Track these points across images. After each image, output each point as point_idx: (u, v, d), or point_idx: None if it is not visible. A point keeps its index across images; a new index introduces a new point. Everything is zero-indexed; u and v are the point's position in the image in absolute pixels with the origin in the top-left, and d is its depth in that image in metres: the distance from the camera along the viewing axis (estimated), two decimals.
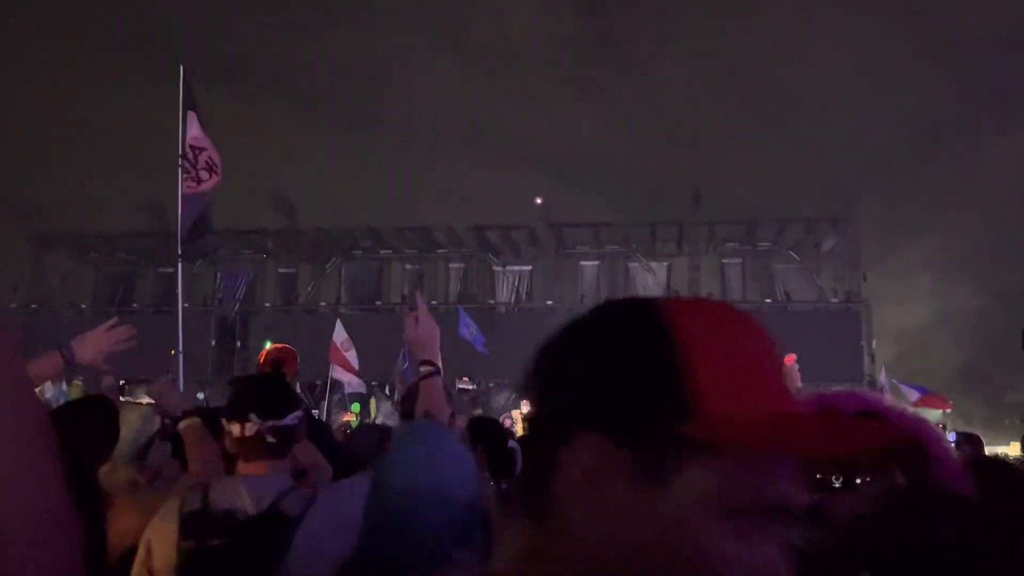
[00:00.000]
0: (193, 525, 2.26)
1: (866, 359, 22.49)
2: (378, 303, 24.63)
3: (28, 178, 20.61)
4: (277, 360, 6.70)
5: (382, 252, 25.07)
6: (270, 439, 2.35)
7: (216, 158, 10.01)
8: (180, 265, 10.84)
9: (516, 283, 24.46)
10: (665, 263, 23.95)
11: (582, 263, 24.21)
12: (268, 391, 2.48)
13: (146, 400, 2.97)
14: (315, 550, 2.26)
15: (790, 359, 16.16)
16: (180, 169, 9.76)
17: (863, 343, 22.70)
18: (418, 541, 1.68)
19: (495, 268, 24.52)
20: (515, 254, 24.46)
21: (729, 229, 23.34)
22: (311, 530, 2.29)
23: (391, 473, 1.79)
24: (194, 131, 9.84)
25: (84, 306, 25.63)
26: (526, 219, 22.95)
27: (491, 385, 21.31)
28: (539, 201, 23.24)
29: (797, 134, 20.01)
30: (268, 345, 17.24)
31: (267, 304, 25.17)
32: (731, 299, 23.72)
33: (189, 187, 9.79)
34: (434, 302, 24.26)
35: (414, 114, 21.09)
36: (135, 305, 25.44)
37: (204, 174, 9.83)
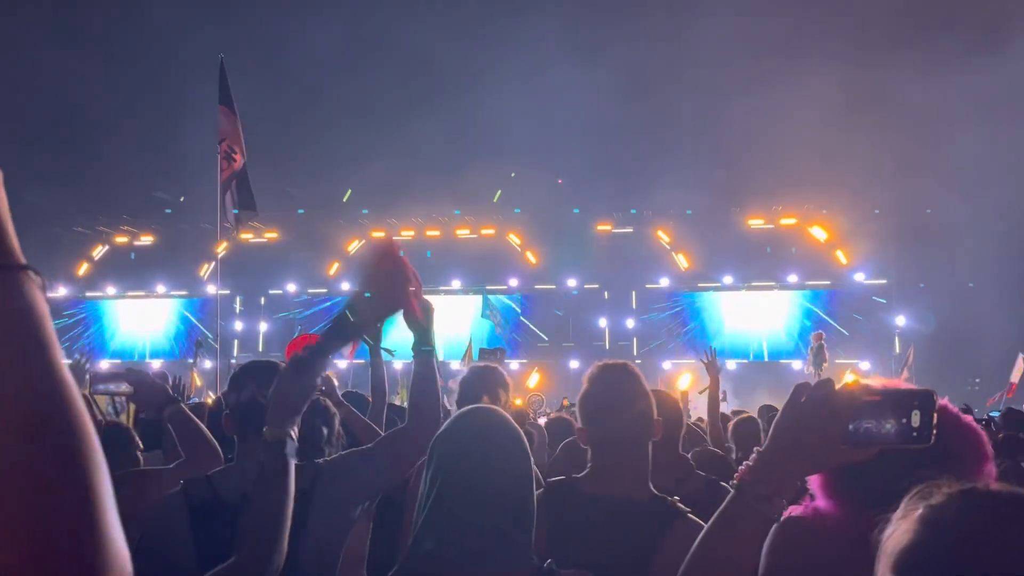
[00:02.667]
0: (205, 515, 2.29)
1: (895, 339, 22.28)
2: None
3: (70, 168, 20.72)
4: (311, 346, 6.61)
5: (404, 233, 25.09)
6: (261, 400, 2.32)
7: (240, 146, 10.24)
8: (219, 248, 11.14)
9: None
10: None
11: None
12: (265, 367, 2.56)
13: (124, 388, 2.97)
14: (327, 521, 2.36)
15: (819, 337, 16.01)
16: (219, 157, 10.07)
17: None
18: (474, 514, 1.77)
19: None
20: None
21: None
22: (322, 503, 2.36)
23: (448, 447, 1.87)
24: (225, 122, 10.11)
25: (110, 290, 25.98)
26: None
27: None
28: (560, 181, 23.12)
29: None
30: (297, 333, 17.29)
31: (290, 285, 25.31)
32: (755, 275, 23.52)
33: (223, 172, 10.14)
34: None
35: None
36: (160, 288, 25.75)
37: (234, 157, 10.12)
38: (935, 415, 1.21)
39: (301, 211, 24.10)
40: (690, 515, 2.23)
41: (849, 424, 1.24)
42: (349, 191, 23.49)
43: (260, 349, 24.52)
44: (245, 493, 2.29)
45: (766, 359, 22.84)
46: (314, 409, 3.35)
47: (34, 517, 0.65)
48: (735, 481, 1.34)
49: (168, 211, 24.08)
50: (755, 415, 7.06)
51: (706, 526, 1.37)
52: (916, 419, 1.21)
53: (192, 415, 2.84)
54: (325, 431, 3.32)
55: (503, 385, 3.41)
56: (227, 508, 2.27)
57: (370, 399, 4.66)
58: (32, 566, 0.66)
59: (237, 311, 25.02)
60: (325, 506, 2.37)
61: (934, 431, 1.20)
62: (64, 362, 0.72)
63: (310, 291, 25.27)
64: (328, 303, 25.03)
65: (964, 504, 1.00)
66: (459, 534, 1.77)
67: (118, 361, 24.14)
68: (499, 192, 23.18)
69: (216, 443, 2.85)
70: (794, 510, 1.63)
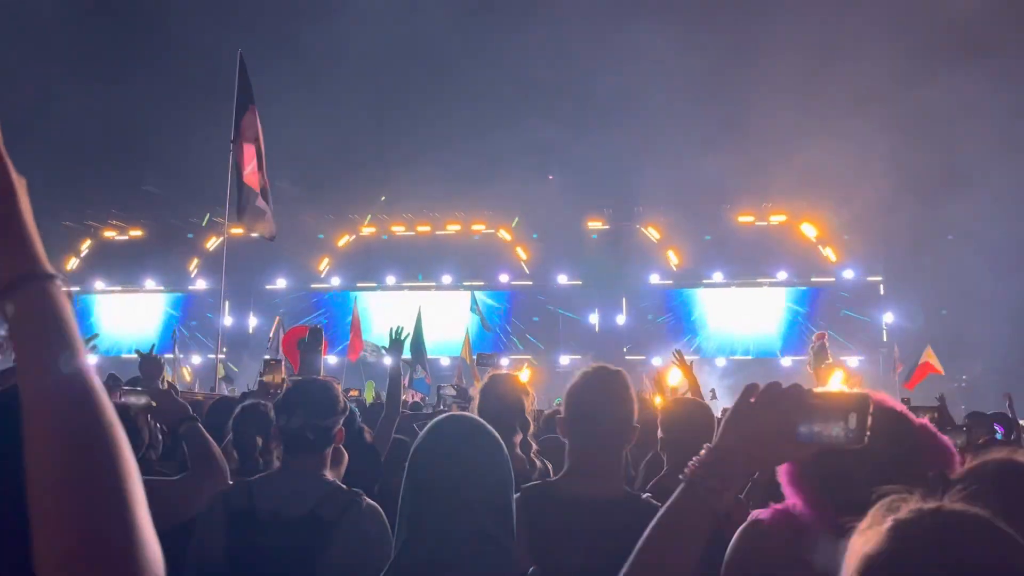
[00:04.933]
0: (242, 524, 2.45)
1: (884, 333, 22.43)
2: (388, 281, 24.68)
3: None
4: (304, 339, 6.75)
5: (393, 228, 25.06)
6: (310, 435, 2.59)
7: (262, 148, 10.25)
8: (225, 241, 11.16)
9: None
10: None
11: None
12: (316, 393, 2.73)
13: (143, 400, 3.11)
14: (351, 556, 2.43)
15: (820, 336, 16.17)
16: (231, 153, 10.03)
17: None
18: (457, 520, 1.78)
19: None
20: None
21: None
22: (349, 537, 2.46)
23: (427, 455, 1.89)
24: (258, 127, 10.10)
25: (99, 285, 25.84)
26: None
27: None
28: (551, 178, 23.13)
29: None
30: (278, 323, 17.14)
31: (280, 281, 25.25)
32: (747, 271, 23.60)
33: (264, 181, 10.13)
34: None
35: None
36: (147, 284, 25.65)
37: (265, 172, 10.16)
38: (869, 418, 1.27)
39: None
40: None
41: (796, 425, 1.30)
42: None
43: (249, 347, 24.44)
44: (279, 510, 2.46)
45: (755, 356, 22.94)
46: (252, 417, 3.39)
47: (79, 518, 0.68)
48: (685, 474, 1.38)
49: (148, 189, 23.78)
50: None
51: (655, 518, 1.41)
52: (852, 421, 1.27)
53: (206, 433, 2.93)
54: (260, 441, 3.35)
55: (524, 392, 3.44)
56: (262, 519, 2.45)
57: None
58: (79, 566, 0.69)
59: (226, 306, 24.90)
60: (350, 542, 2.45)
61: (867, 433, 1.27)
62: (89, 364, 0.75)
63: (299, 286, 25.21)
64: (316, 299, 25.01)
65: (933, 521, 1.05)
66: (444, 540, 1.77)
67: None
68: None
69: (225, 461, 2.94)
70: (759, 513, 1.79)
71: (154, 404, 3.04)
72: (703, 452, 1.39)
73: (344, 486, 2.63)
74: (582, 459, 2.41)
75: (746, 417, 1.36)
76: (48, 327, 0.75)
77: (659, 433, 3.59)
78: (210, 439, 2.91)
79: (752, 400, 1.36)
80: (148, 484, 0.79)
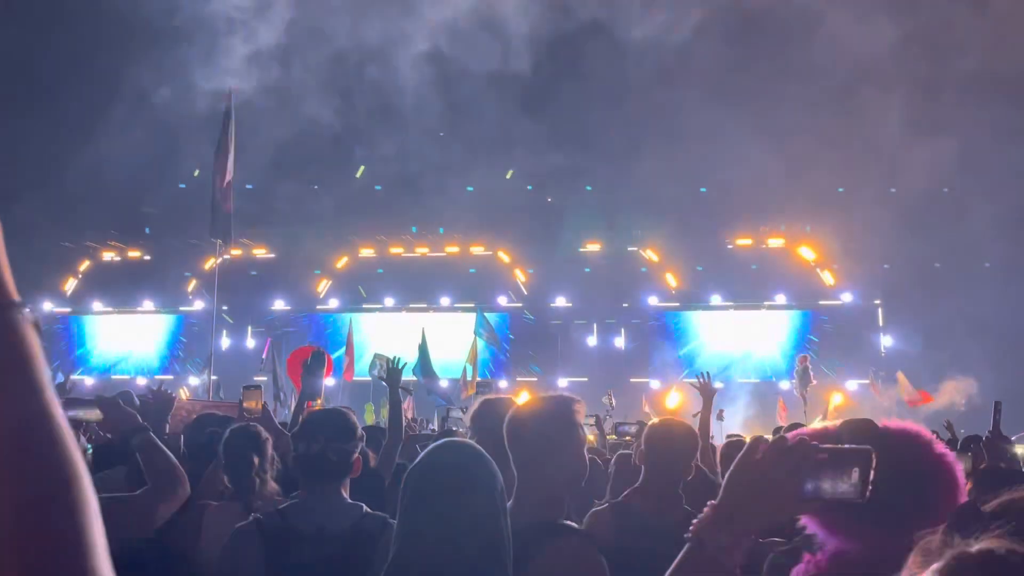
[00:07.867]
0: (281, 539, 2.47)
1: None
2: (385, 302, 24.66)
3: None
4: (308, 361, 6.73)
5: (393, 251, 25.08)
6: (332, 457, 2.60)
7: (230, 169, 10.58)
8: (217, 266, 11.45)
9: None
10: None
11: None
12: (337, 419, 2.78)
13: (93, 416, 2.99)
14: None
15: (804, 360, 15.97)
16: (215, 181, 10.33)
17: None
18: (440, 548, 1.76)
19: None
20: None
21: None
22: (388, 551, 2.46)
23: (420, 480, 1.86)
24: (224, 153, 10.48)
25: (97, 306, 25.79)
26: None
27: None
28: (549, 200, 23.19)
29: None
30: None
31: (278, 302, 25.22)
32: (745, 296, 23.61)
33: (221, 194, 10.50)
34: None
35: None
36: (147, 304, 25.62)
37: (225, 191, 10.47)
38: (872, 472, 1.28)
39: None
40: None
41: (802, 481, 1.31)
42: (362, 167, 23.33)
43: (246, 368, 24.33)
44: (325, 525, 2.50)
45: (752, 379, 22.89)
46: (244, 437, 3.34)
47: (25, 563, 0.65)
48: (691, 534, 1.37)
49: (147, 230, 23.97)
50: (745, 437, 7.03)
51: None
52: (855, 476, 1.29)
53: (160, 443, 2.81)
54: (256, 460, 3.31)
55: None
56: (304, 535, 2.49)
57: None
58: None
59: (225, 328, 24.87)
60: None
61: (869, 487, 1.28)
62: (55, 399, 0.72)
63: (298, 308, 25.16)
64: (314, 320, 24.98)
65: (980, 563, 0.96)
66: (426, 567, 1.75)
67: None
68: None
69: (183, 471, 2.82)
70: (798, 570, 1.69)
71: (101, 417, 2.88)
72: (707, 509, 1.37)
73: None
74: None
75: (754, 475, 1.35)
76: (12, 357, 0.72)
77: (641, 446, 3.54)
78: (165, 449, 2.81)
79: (757, 456, 1.36)
80: (103, 502, 0.75)
